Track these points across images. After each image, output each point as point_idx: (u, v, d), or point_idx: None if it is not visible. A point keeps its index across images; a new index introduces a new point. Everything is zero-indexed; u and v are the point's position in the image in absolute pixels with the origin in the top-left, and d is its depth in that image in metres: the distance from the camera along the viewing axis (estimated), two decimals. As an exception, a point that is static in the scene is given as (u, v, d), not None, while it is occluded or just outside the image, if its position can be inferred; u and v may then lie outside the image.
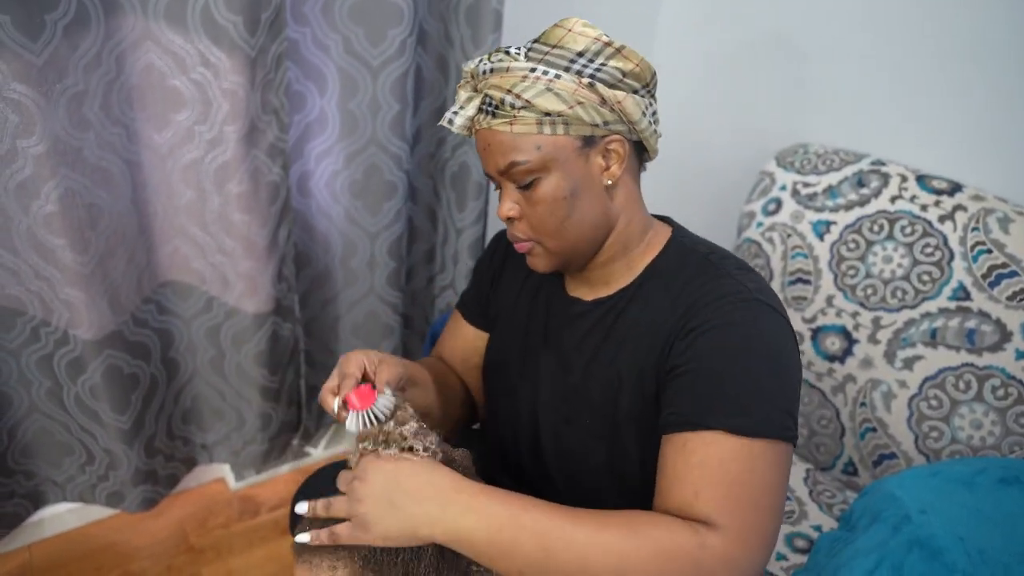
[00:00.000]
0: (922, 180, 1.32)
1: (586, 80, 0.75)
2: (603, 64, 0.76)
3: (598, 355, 0.86)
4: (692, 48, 1.78)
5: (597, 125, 0.77)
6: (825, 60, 1.51)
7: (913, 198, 1.31)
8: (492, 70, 0.77)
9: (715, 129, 1.76)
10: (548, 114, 0.75)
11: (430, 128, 1.54)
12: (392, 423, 0.80)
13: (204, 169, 1.28)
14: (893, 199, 1.33)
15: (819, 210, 1.40)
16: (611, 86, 0.76)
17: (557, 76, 0.75)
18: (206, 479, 1.71)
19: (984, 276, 1.21)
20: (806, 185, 1.44)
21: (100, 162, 1.19)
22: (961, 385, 1.20)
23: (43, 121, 1.08)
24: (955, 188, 1.29)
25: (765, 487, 0.71)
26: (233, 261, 1.36)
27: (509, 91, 0.75)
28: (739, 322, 0.75)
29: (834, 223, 1.38)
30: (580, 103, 0.75)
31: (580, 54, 0.75)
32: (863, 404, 1.30)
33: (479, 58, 0.80)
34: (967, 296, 1.22)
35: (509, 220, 0.83)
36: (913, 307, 1.27)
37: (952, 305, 1.23)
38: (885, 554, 0.89)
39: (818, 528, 1.22)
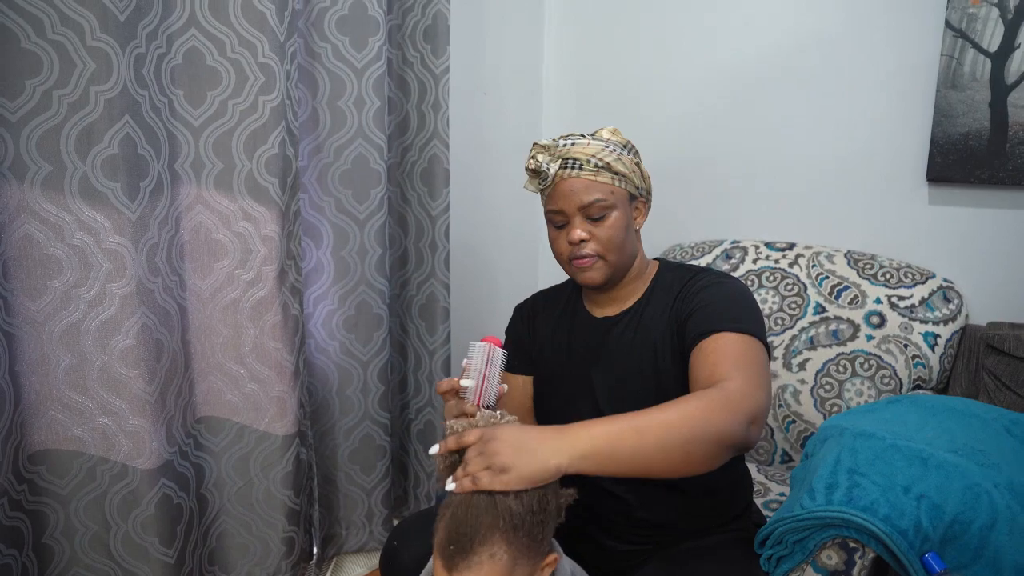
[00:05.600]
0: (769, 245, 1.88)
1: (635, 160, 1.21)
2: (635, 153, 1.22)
3: (636, 341, 1.22)
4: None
5: (639, 188, 1.22)
6: (678, 178, 2.10)
7: (767, 257, 1.85)
8: (574, 144, 1.18)
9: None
10: (618, 173, 1.18)
11: (395, 273, 1.90)
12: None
13: (242, 307, 1.54)
14: (755, 260, 1.86)
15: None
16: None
17: (621, 153, 1.19)
18: (223, 631, 1.72)
19: (830, 293, 1.74)
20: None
21: (164, 304, 1.43)
22: (840, 369, 1.67)
23: (132, 267, 1.33)
24: (791, 245, 1.85)
25: (758, 360, 1.09)
26: (266, 388, 1.58)
27: (593, 156, 1.17)
28: (722, 282, 1.19)
29: (719, 286, 1.88)
30: (633, 172, 1.20)
31: (625, 146, 1.21)
32: (780, 405, 1.72)
33: (554, 138, 1.21)
34: (824, 310, 1.73)
35: (581, 242, 1.18)
36: (792, 327, 1.75)
37: (816, 318, 1.73)
38: (841, 446, 1.26)
39: (782, 494, 1.57)
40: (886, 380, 1.62)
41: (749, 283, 1.83)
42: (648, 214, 1.28)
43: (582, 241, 1.18)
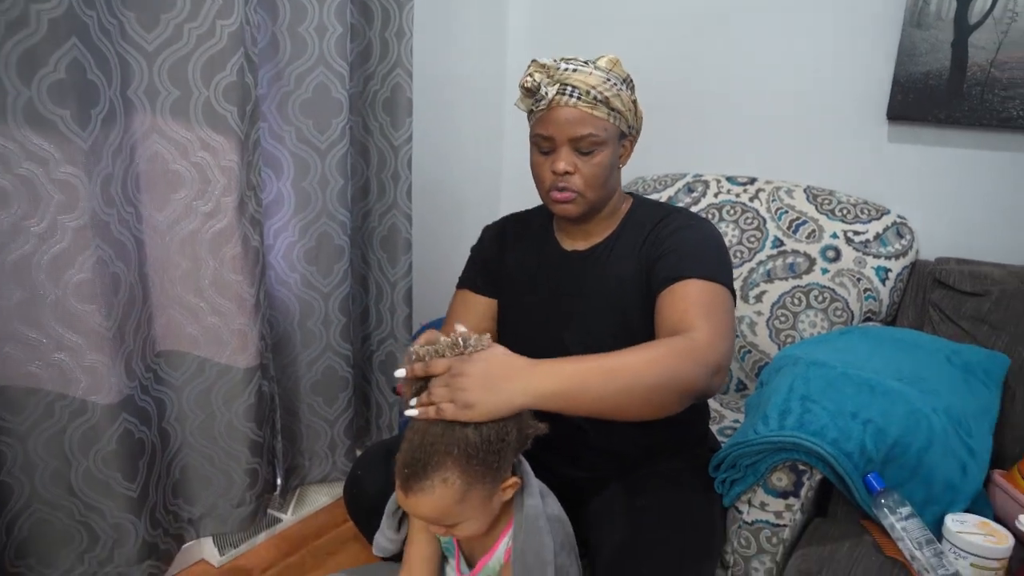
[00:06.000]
0: (730, 179, 1.90)
1: (633, 97, 1.19)
2: (633, 89, 1.19)
3: (604, 275, 1.23)
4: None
5: (631, 127, 1.20)
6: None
7: (728, 191, 1.87)
8: (575, 70, 1.14)
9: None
10: (614, 109, 1.16)
11: (356, 204, 1.88)
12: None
13: (201, 239, 1.51)
14: (716, 194, 1.88)
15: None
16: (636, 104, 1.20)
17: (621, 89, 1.16)
18: (188, 563, 1.75)
19: (788, 227, 1.77)
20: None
21: (120, 236, 1.39)
22: (796, 302, 1.72)
23: (86, 198, 1.29)
24: (752, 179, 1.88)
25: (725, 310, 1.11)
26: (226, 320, 1.56)
27: (594, 87, 1.13)
28: (695, 226, 1.19)
29: (680, 220, 1.90)
30: (629, 110, 1.18)
31: (625, 80, 1.18)
32: (737, 336, 1.77)
33: (554, 59, 1.17)
34: (781, 244, 1.77)
35: (567, 174, 1.16)
36: (750, 260, 1.79)
37: (774, 251, 1.77)
38: (794, 375, 1.31)
39: (737, 421, 1.63)
40: (838, 312, 1.67)
41: (710, 216, 1.86)
42: (633, 152, 1.26)
43: (567, 173, 1.16)
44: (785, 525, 1.20)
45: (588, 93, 1.14)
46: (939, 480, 1.16)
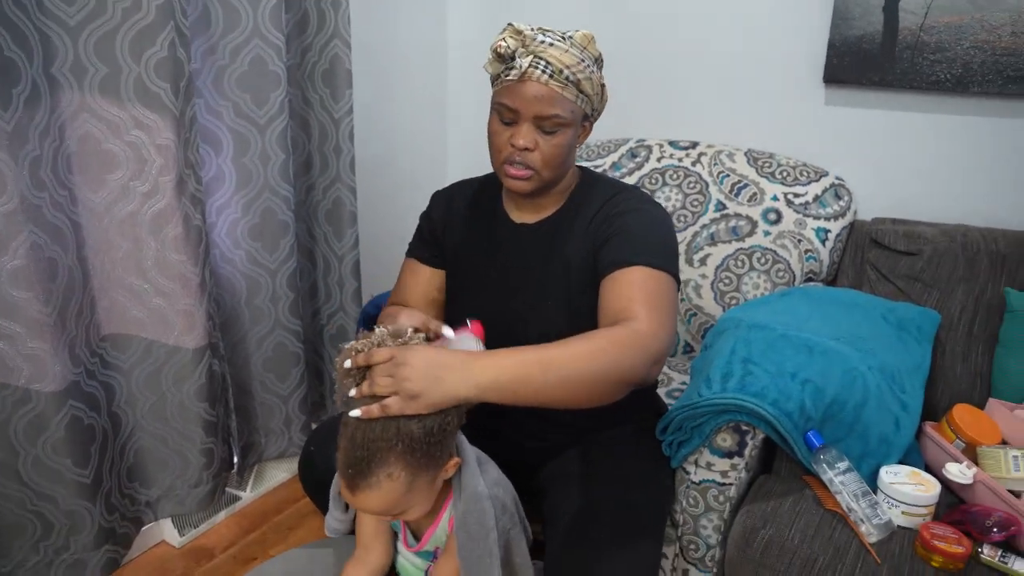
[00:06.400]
0: (673, 143, 1.92)
1: (602, 80, 1.16)
2: (601, 68, 1.17)
3: (551, 254, 1.23)
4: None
5: (595, 110, 1.18)
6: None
7: (671, 155, 1.90)
8: (551, 44, 1.11)
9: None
10: (583, 93, 1.13)
11: (299, 178, 1.85)
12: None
13: (140, 219, 1.47)
14: (659, 159, 1.90)
15: (613, 181, 1.93)
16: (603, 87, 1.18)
17: (592, 71, 1.14)
18: (148, 544, 1.74)
19: (730, 191, 1.80)
20: (596, 167, 1.97)
21: (54, 220, 1.35)
22: (739, 264, 1.76)
23: (13, 181, 1.24)
24: (694, 144, 1.90)
25: (668, 300, 1.11)
26: (172, 301, 1.53)
27: (567, 67, 1.10)
28: (643, 209, 1.19)
29: (626, 186, 1.92)
30: (596, 94, 1.16)
31: (597, 60, 1.16)
32: (683, 300, 1.81)
33: (529, 26, 1.13)
34: (724, 207, 1.80)
35: (525, 150, 1.14)
36: (694, 224, 1.82)
37: (717, 215, 1.80)
38: (736, 338, 1.35)
39: (684, 383, 1.68)
40: (781, 274, 1.72)
41: (653, 182, 1.88)
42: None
43: (525, 150, 1.14)
44: (731, 484, 1.24)
45: (561, 72, 1.11)
46: (874, 435, 1.22)
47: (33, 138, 1.28)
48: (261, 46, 1.58)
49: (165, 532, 1.78)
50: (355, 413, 0.95)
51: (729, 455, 1.23)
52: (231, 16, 1.54)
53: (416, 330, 1.04)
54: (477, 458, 1.07)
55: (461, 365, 0.96)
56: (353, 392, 0.97)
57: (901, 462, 1.24)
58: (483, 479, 1.03)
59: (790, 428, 1.17)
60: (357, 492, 0.94)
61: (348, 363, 0.98)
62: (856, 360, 1.27)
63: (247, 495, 1.91)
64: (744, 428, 1.21)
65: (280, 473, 2.01)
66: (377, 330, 1.01)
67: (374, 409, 0.94)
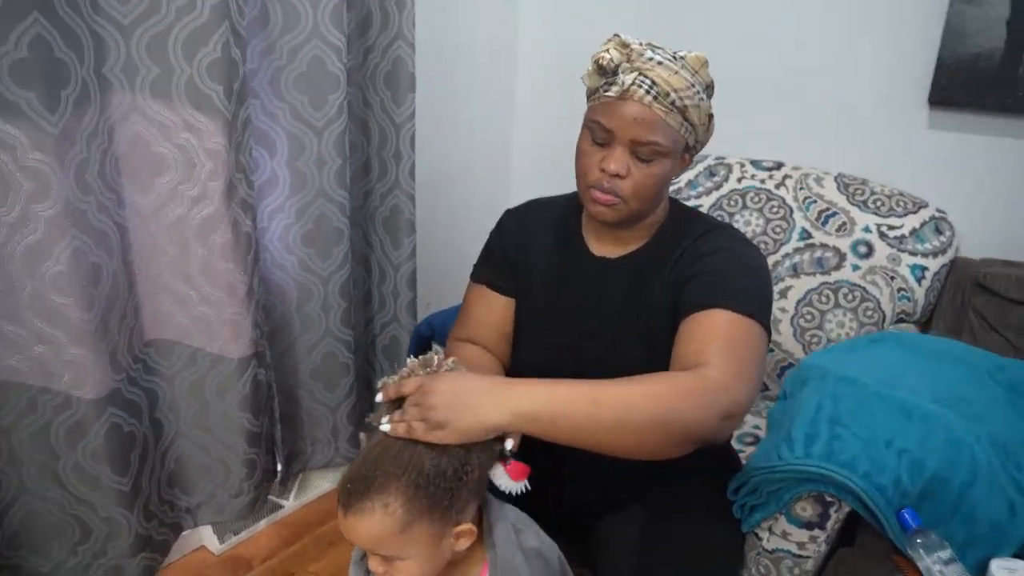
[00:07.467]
0: (755, 163, 1.77)
1: (710, 110, 1.04)
2: (711, 97, 1.04)
3: (634, 291, 1.11)
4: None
5: (698, 141, 1.05)
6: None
7: (752, 176, 1.75)
8: (660, 63, 0.99)
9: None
10: (688, 121, 1.01)
11: (357, 183, 1.77)
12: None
13: (188, 225, 1.41)
14: (739, 179, 1.76)
15: (686, 200, 1.79)
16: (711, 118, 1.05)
17: (702, 98, 1.01)
18: (188, 549, 1.71)
19: (817, 219, 1.65)
20: (672, 184, 1.84)
21: (99, 224, 1.30)
22: (823, 299, 1.61)
23: (58, 186, 1.19)
24: (779, 164, 1.75)
25: (752, 351, 0.98)
26: (217, 309, 1.48)
27: (675, 90, 0.98)
28: (735, 249, 1.06)
29: (701, 206, 1.78)
30: (702, 124, 1.03)
31: (708, 87, 1.03)
32: (757, 334, 1.67)
33: (639, 41, 1.01)
34: (810, 236, 1.65)
35: (616, 176, 1.01)
36: (776, 252, 1.68)
37: (801, 244, 1.65)
38: (822, 393, 1.21)
39: (757, 427, 1.54)
40: (869, 313, 1.56)
41: (732, 204, 1.74)
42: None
43: (616, 176, 1.02)
44: (808, 556, 1.11)
45: (667, 95, 0.99)
46: (983, 519, 1.07)
47: (80, 140, 1.23)
48: (320, 46, 1.50)
49: (205, 538, 1.75)
50: (385, 427, 0.91)
51: (809, 526, 1.10)
52: (290, 15, 1.47)
53: (450, 357, 0.98)
54: (515, 524, 0.97)
55: (495, 389, 0.90)
56: (385, 424, 0.91)
57: (1016, 556, 1.08)
58: (519, 550, 0.93)
59: (883, 505, 1.03)
60: (349, 514, 0.87)
61: (379, 396, 0.95)
62: (961, 428, 1.12)
63: (290, 503, 1.87)
64: (828, 499, 1.08)
65: (324, 483, 1.96)
66: (409, 360, 0.98)
67: (400, 428, 0.89)
